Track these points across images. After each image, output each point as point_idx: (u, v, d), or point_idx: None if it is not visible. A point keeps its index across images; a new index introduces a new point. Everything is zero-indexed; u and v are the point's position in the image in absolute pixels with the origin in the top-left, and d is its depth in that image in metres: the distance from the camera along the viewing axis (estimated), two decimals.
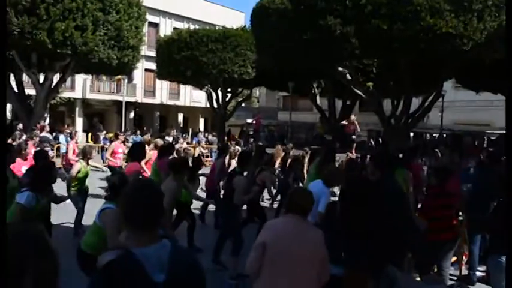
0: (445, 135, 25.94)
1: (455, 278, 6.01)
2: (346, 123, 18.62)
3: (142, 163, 7.66)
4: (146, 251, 1.79)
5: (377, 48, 13.81)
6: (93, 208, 7.28)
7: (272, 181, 8.55)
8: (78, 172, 7.52)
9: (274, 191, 9.63)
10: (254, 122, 28.81)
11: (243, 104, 31.72)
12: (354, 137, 18.65)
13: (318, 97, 25.71)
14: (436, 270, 5.34)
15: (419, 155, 6.92)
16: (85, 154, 7.81)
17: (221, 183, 8.34)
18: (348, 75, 17.24)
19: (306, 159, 9.97)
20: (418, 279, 5.35)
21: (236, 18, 34.69)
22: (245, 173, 6.53)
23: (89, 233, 4.17)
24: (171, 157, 7.53)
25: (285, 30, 14.97)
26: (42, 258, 1.54)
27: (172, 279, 1.79)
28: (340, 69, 16.93)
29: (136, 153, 6.94)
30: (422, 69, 15.49)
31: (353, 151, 15.05)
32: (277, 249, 3.01)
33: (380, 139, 24.81)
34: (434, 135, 28.49)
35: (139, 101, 33.65)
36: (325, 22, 13.52)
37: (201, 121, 39.15)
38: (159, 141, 10.20)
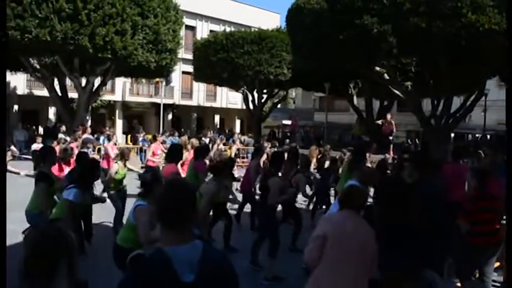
0: (488, 136, 25.03)
1: (498, 285, 5.77)
2: (381, 123, 18.27)
3: (179, 165, 7.77)
4: (177, 250, 1.80)
5: (416, 46, 13.49)
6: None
7: (306, 184, 8.46)
8: (116, 173, 7.74)
9: (310, 193, 9.56)
10: (290, 123, 28.74)
11: (279, 105, 31.73)
12: (391, 137, 18.27)
13: (354, 97, 25.38)
14: (478, 276, 5.16)
15: (458, 156, 6.64)
16: (123, 156, 8.00)
17: (256, 184, 8.36)
18: (385, 75, 16.92)
19: (345, 161, 9.86)
20: (459, 285, 5.17)
21: (271, 20, 34.71)
22: (279, 174, 6.52)
23: (124, 229, 4.31)
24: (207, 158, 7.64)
25: (321, 30, 14.85)
26: (72, 252, 1.75)
27: (201, 280, 1.79)
28: (377, 68, 16.64)
29: (173, 155, 7.08)
30: (464, 67, 15.01)
31: (391, 152, 14.77)
32: (337, 241, 3.12)
33: (416, 140, 24.24)
34: (476, 135, 27.56)
35: (177, 103, 34.20)
36: (362, 21, 13.34)
37: (237, 122, 39.39)
38: (195, 141, 10.34)
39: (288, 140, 22.88)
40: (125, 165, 7.97)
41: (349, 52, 14.43)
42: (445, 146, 13.57)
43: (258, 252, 6.17)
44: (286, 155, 7.65)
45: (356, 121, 21.87)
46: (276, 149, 13.15)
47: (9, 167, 7.72)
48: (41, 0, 16.12)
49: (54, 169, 6.58)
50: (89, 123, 25.77)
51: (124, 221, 7.45)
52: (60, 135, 13.44)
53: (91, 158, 6.40)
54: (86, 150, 9.28)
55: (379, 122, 18.43)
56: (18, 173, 8.45)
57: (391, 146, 17.46)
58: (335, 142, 24.74)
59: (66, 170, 7.07)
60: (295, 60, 21.11)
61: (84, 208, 5.30)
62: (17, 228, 6.08)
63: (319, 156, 11.22)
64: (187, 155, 9.42)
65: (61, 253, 1.71)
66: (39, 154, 6.09)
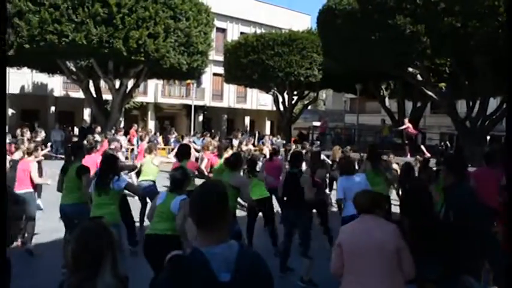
0: None
1: None
2: (403, 127, 17.91)
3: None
4: (213, 250, 1.83)
5: (450, 47, 13.21)
6: None
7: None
8: (142, 166, 8.23)
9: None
10: (320, 125, 28.56)
11: (309, 107, 31.59)
12: (415, 139, 17.92)
13: (386, 99, 25.01)
14: None
15: (490, 160, 6.41)
16: (151, 150, 8.30)
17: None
18: (418, 76, 16.62)
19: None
20: None
21: (302, 21, 34.61)
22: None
23: (162, 220, 4.53)
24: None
25: (352, 31, 14.73)
26: (115, 247, 1.84)
27: (237, 280, 1.81)
28: (410, 69, 16.37)
29: (183, 153, 7.33)
30: (501, 67, 14.58)
31: (426, 154, 14.43)
32: (349, 248, 3.16)
33: (448, 142, 23.64)
34: None
35: (208, 105, 34.52)
36: (395, 21, 13.17)
37: (267, 124, 39.42)
38: (215, 143, 10.58)
39: (318, 142, 22.73)
40: (152, 163, 8.20)
41: (381, 53, 14.26)
42: (481, 149, 13.21)
43: (289, 254, 6.16)
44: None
45: (381, 122, 21.53)
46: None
47: (39, 180, 7.74)
48: (77, 5, 16.60)
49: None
50: (122, 124, 26.35)
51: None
52: (96, 135, 13.78)
53: (109, 154, 6.66)
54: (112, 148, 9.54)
55: (402, 128, 18.08)
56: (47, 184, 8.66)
57: (422, 148, 17.10)
58: (367, 144, 24.42)
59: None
60: (325, 61, 20.99)
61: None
62: (57, 226, 6.31)
63: (340, 157, 11.15)
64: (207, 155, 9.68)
65: (105, 248, 1.78)
66: (70, 150, 6.46)
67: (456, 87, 17.42)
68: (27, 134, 11.29)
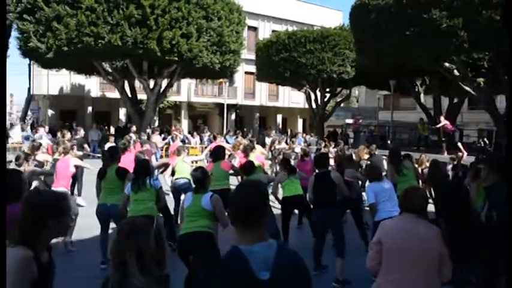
0: None
1: None
2: (440, 125, 17.43)
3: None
4: (252, 248, 1.85)
5: (489, 40, 12.79)
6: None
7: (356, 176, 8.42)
8: (174, 168, 8.47)
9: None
10: (353, 122, 28.24)
11: (342, 104, 31.27)
12: (453, 136, 17.44)
13: (422, 95, 24.45)
14: None
15: None
16: (180, 152, 8.60)
17: None
18: (455, 71, 16.19)
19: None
20: None
21: (334, 18, 34.27)
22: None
23: (196, 219, 4.67)
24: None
25: (386, 26, 14.50)
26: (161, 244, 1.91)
27: (276, 278, 1.83)
28: (446, 64, 15.96)
29: (218, 154, 7.73)
30: None
31: (463, 151, 13.97)
32: (390, 246, 3.10)
33: (485, 139, 22.88)
34: None
35: (240, 103, 34.68)
36: (431, 15, 12.87)
37: (300, 122, 39.27)
38: (245, 142, 10.64)
39: (351, 140, 22.50)
40: (184, 161, 8.40)
41: (416, 48, 13.97)
42: None
43: (322, 253, 6.13)
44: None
45: (419, 120, 21.02)
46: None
47: (82, 163, 8.35)
48: (112, 8, 16.98)
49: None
50: (157, 123, 26.83)
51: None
52: (131, 135, 14.12)
53: (142, 158, 6.96)
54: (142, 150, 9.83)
55: (438, 126, 17.61)
56: (88, 168, 9.05)
57: (460, 144, 16.64)
58: (402, 142, 24.00)
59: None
60: (358, 58, 20.73)
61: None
62: (97, 224, 6.50)
63: (367, 156, 10.96)
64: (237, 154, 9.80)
65: (145, 245, 1.83)
66: (108, 153, 6.75)
67: (495, 82, 16.87)
68: (68, 135, 11.69)
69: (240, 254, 1.84)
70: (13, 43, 19.65)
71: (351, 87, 27.55)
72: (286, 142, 17.94)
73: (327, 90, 26.37)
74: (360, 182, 7.77)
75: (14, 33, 18.82)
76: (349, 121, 33.27)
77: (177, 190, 8.15)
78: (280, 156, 10.54)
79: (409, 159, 8.28)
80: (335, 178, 5.97)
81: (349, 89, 28.30)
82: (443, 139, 17.18)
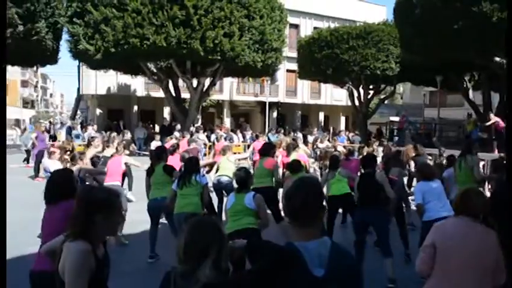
0: None
1: None
2: (491, 122, 16.71)
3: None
4: (307, 245, 1.87)
5: None
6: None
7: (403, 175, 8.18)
8: (218, 166, 8.55)
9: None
10: (399, 120, 27.58)
11: (386, 101, 30.66)
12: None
13: (470, 91, 23.58)
14: None
15: None
16: (225, 152, 8.66)
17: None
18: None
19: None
20: None
21: (377, 13, 33.64)
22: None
23: (242, 217, 4.71)
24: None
25: (432, 20, 14.08)
26: (221, 242, 1.93)
27: (330, 276, 1.84)
28: (497, 59, 15.31)
29: (266, 150, 7.82)
30: None
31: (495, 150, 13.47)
32: (444, 251, 2.99)
33: None
34: None
35: (282, 101, 34.66)
36: (480, 8, 12.39)
37: (342, 119, 38.81)
38: (289, 141, 10.61)
39: (396, 138, 22.01)
40: (228, 160, 8.48)
41: (464, 43, 13.50)
42: None
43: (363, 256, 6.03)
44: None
45: (467, 117, 20.27)
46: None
47: (132, 161, 8.62)
48: (157, 9, 17.39)
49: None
50: (200, 121, 27.24)
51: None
52: (176, 133, 14.43)
53: (191, 156, 7.09)
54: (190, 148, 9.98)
55: (488, 123, 16.89)
56: (137, 166, 9.32)
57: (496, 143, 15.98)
58: (450, 139, 23.26)
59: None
60: (403, 53, 20.23)
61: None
62: (144, 218, 6.70)
63: (414, 155, 10.65)
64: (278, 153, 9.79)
65: (212, 243, 1.88)
66: (155, 153, 7.01)
67: None
68: (114, 134, 12.13)
69: (295, 250, 1.86)
70: (64, 46, 20.54)
71: (395, 83, 26.92)
72: (328, 140, 17.80)
73: (370, 87, 25.92)
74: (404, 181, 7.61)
75: (65, 36, 19.66)
76: (394, 118, 32.57)
77: (219, 187, 8.26)
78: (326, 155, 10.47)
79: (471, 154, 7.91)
80: (380, 179, 5.85)
81: (393, 86, 27.67)
82: (493, 137, 16.52)
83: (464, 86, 23.26)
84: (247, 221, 4.67)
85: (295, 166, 6.79)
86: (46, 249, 2.62)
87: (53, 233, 2.75)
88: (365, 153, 9.69)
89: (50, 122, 30.91)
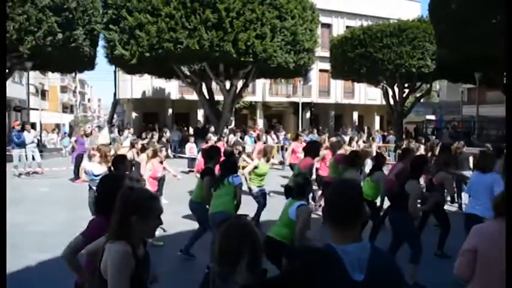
0: None
1: None
2: None
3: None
4: (345, 248, 1.82)
5: None
6: (277, 202, 7.82)
7: (450, 183, 7.75)
8: (256, 168, 8.27)
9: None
10: (436, 118, 26.94)
11: (421, 100, 29.99)
12: None
13: None
14: None
15: None
16: (265, 153, 8.50)
17: None
18: None
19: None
20: None
21: (411, 9, 32.99)
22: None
23: (280, 225, 4.54)
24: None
25: (470, 15, 13.68)
26: (254, 244, 1.92)
27: (370, 280, 1.79)
28: None
29: (309, 149, 7.58)
30: None
31: None
32: (488, 256, 2.83)
33: None
34: None
35: (315, 101, 34.47)
36: None
37: (377, 119, 38.23)
38: (334, 139, 10.46)
39: (433, 137, 21.49)
40: (268, 162, 8.40)
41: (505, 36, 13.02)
42: None
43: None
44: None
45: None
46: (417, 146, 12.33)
47: (168, 168, 8.72)
48: (189, 13, 17.62)
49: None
50: (233, 123, 27.42)
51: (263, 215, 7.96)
52: (210, 135, 14.56)
53: (232, 159, 6.99)
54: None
55: None
56: (175, 175, 9.42)
57: None
58: (490, 138, 22.54)
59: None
60: (439, 50, 19.75)
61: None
62: (177, 219, 6.80)
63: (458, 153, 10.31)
64: (325, 153, 9.60)
65: (246, 246, 1.89)
66: (207, 153, 6.81)
67: None
68: (156, 137, 12.31)
69: (334, 253, 1.81)
70: (100, 51, 21.17)
71: (431, 81, 26.32)
72: (363, 141, 17.58)
73: (406, 85, 25.43)
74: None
75: (101, 43, 20.23)
76: (430, 117, 31.81)
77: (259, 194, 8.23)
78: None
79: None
80: (407, 186, 5.49)
81: (430, 84, 27.05)
82: None
83: (505, 82, 22.48)
84: (284, 233, 4.43)
85: (351, 159, 6.63)
86: (89, 250, 2.70)
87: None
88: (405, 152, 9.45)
89: (98, 127, 31.71)
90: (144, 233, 2.40)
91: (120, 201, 2.36)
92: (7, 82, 24.92)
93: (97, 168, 6.86)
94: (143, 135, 16.83)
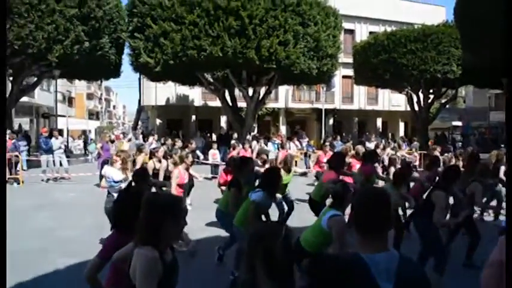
0: None
1: None
2: None
3: None
4: (374, 257, 1.80)
5: None
6: (301, 210, 7.79)
7: (480, 195, 7.48)
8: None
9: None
10: (462, 124, 26.44)
11: (447, 106, 29.49)
12: None
13: None
14: None
15: None
16: (285, 163, 8.43)
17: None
18: None
19: None
20: None
21: (436, 14, 32.55)
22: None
23: (310, 233, 4.42)
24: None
25: (497, 18, 13.39)
26: (271, 252, 1.89)
27: None
28: None
29: (334, 163, 7.28)
30: None
31: None
32: None
33: None
34: None
35: (338, 108, 34.27)
36: None
37: (401, 125, 37.75)
38: (361, 148, 10.27)
39: (460, 144, 21.09)
40: (289, 172, 8.33)
41: None
42: None
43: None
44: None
45: None
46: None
47: (192, 172, 8.78)
48: (213, 21, 17.79)
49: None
50: (256, 130, 27.46)
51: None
52: (234, 142, 14.63)
53: (275, 167, 6.89)
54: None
55: None
56: (195, 177, 9.46)
57: None
58: None
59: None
60: (465, 55, 19.41)
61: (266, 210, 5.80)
62: (200, 225, 6.84)
63: (493, 162, 9.96)
64: (352, 161, 9.49)
65: (276, 249, 1.88)
66: (235, 165, 6.78)
67: None
68: (179, 144, 12.42)
69: (362, 262, 1.79)
70: (126, 59, 21.49)
71: (457, 87, 25.88)
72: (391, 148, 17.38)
73: (431, 91, 25.07)
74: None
75: (126, 51, 20.59)
76: (456, 123, 31.25)
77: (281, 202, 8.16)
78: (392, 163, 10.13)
79: None
80: (433, 196, 5.33)
81: (455, 89, 26.60)
82: None
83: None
84: (315, 242, 4.29)
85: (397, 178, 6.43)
86: (118, 257, 2.72)
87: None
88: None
89: (123, 134, 32.15)
90: (172, 235, 2.42)
91: (148, 206, 2.39)
92: (36, 90, 25.62)
93: (117, 174, 6.92)
94: (162, 140, 17.00)
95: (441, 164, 9.37)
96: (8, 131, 16.90)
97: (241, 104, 23.61)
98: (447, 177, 5.59)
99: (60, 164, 15.12)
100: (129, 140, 19.31)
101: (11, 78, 19.53)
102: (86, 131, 39.21)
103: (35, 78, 21.50)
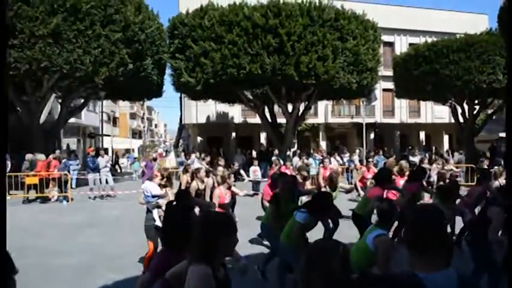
0: None
1: None
2: None
3: None
4: (429, 277, 1.76)
5: None
6: (344, 226, 7.67)
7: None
8: None
9: None
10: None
11: (494, 116, 28.41)
12: None
13: None
14: None
15: None
16: (332, 180, 8.35)
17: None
18: None
19: None
20: None
21: (478, 22, 31.63)
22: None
23: (355, 250, 4.34)
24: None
25: None
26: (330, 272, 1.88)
27: None
28: None
29: (381, 178, 7.17)
30: None
31: None
32: None
33: None
34: None
35: (379, 122, 33.72)
36: None
37: (445, 138, 36.67)
38: (404, 164, 10.01)
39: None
40: (335, 189, 8.22)
41: None
42: None
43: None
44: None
45: None
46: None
47: (233, 188, 8.80)
48: (251, 39, 18.04)
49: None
50: (296, 146, 27.39)
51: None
52: (274, 159, 14.65)
53: (324, 191, 6.90)
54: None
55: None
56: (237, 194, 9.51)
57: None
58: None
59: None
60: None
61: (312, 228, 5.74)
62: (246, 242, 6.84)
63: None
64: (394, 178, 9.26)
65: (331, 267, 1.87)
66: (274, 180, 6.93)
67: None
68: (222, 162, 12.50)
69: (419, 282, 1.75)
70: (167, 79, 22.12)
71: (504, 97, 24.93)
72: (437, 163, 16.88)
73: (476, 102, 24.29)
74: None
75: (168, 71, 21.16)
76: (504, 135, 29.97)
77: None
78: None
79: None
80: (490, 213, 5.07)
81: (502, 99, 25.63)
82: None
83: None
84: (360, 261, 4.10)
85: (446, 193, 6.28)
86: (172, 274, 2.76)
87: None
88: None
89: (166, 151, 32.89)
90: (225, 252, 2.48)
91: (201, 224, 2.46)
92: (83, 111, 26.66)
93: (155, 188, 7.05)
94: (202, 156, 17.25)
95: (492, 177, 8.98)
96: (57, 151, 17.65)
97: (281, 120, 23.67)
98: (503, 192, 5.36)
99: (106, 182, 15.62)
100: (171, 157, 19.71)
101: (59, 101, 20.45)
102: (130, 149, 40.28)
103: (82, 100, 22.40)
